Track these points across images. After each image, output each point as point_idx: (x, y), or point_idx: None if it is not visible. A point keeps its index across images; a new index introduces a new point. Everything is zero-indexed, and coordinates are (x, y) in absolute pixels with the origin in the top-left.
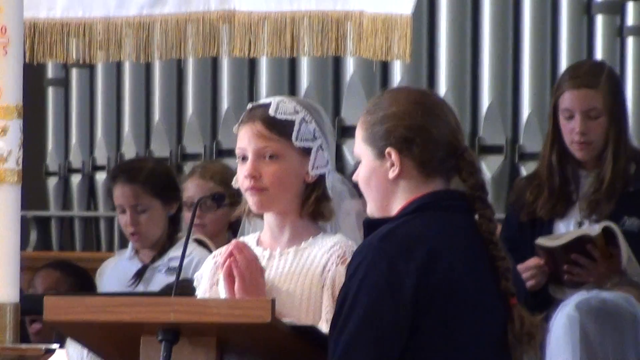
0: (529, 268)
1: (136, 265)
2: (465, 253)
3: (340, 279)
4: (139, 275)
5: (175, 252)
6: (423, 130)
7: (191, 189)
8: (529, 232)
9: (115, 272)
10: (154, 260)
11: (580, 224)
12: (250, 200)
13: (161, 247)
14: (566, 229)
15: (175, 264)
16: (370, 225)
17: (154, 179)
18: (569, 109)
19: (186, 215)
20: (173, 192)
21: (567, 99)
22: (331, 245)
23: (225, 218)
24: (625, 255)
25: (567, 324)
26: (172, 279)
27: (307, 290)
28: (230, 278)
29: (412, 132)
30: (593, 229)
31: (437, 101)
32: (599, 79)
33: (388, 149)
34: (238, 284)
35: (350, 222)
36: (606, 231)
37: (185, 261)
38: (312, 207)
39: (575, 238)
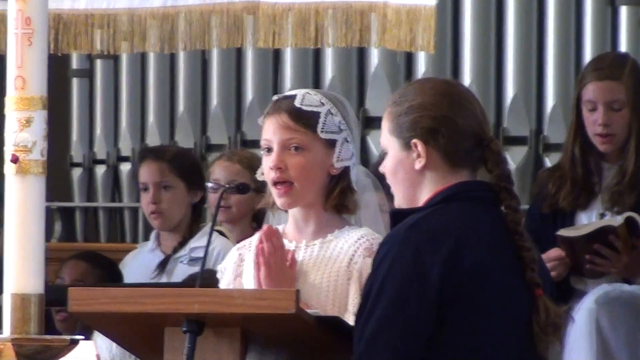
0: (550, 259)
1: (158, 256)
2: (491, 244)
3: (367, 271)
4: (162, 266)
5: (197, 242)
6: (449, 121)
7: (217, 171)
8: (550, 223)
9: (137, 264)
10: (175, 250)
11: (602, 216)
12: (277, 200)
13: (182, 237)
14: (588, 221)
15: (197, 254)
16: (397, 216)
17: (181, 160)
18: (592, 101)
19: (211, 197)
20: (198, 178)
21: (590, 91)
22: (358, 237)
23: (250, 203)
24: None
25: (585, 316)
26: (194, 269)
27: (333, 282)
28: (258, 266)
29: (438, 123)
30: (615, 219)
31: (463, 91)
32: (623, 71)
33: (414, 140)
34: (263, 272)
35: (369, 215)
36: (629, 221)
37: None
38: (337, 200)
39: (598, 229)
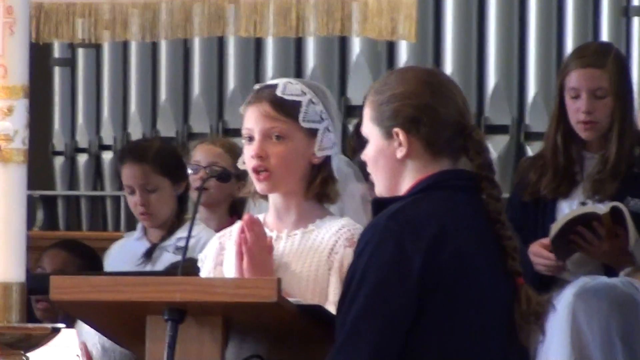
0: (538, 255)
1: (145, 245)
2: (473, 233)
3: (348, 261)
4: (148, 254)
5: (183, 232)
6: (430, 110)
7: (198, 153)
8: (532, 212)
9: (123, 252)
10: (162, 239)
11: (583, 204)
12: (257, 185)
13: (170, 227)
14: (569, 209)
15: (183, 243)
16: (378, 205)
17: (162, 158)
18: (576, 88)
19: (192, 177)
20: (181, 170)
21: (574, 78)
22: (339, 227)
23: (229, 188)
24: (633, 237)
25: (563, 306)
26: (179, 258)
27: (313, 272)
28: (241, 255)
29: (419, 112)
30: (600, 208)
31: (445, 80)
32: (607, 59)
33: (396, 129)
34: (246, 262)
35: (354, 205)
36: (614, 211)
37: (192, 241)
38: (318, 189)
39: (583, 214)
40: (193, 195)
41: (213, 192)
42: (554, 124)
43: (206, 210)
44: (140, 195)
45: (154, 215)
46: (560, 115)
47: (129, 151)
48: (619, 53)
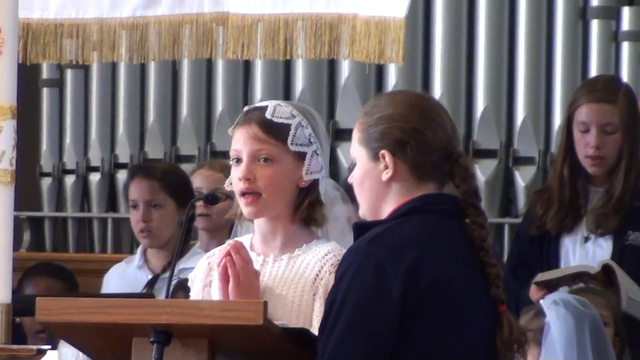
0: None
1: (146, 274)
2: (455, 258)
3: None
4: (151, 285)
5: (185, 262)
6: (418, 133)
7: (199, 180)
8: (537, 247)
9: (124, 279)
10: (164, 270)
11: (586, 239)
12: (244, 209)
13: (171, 256)
14: (572, 245)
15: (186, 275)
16: (360, 228)
17: (172, 178)
18: (586, 122)
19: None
20: (188, 196)
21: (584, 113)
22: (325, 253)
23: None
24: (625, 296)
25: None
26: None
27: (298, 297)
28: (225, 278)
29: (406, 134)
30: (592, 267)
31: (435, 105)
32: (617, 94)
33: (382, 151)
34: (232, 285)
35: (339, 227)
36: (605, 269)
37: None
38: (305, 213)
39: (576, 273)
40: (198, 223)
41: (214, 218)
42: (560, 156)
43: (207, 236)
44: (143, 210)
45: (154, 233)
46: (567, 148)
47: (140, 167)
48: (628, 88)
